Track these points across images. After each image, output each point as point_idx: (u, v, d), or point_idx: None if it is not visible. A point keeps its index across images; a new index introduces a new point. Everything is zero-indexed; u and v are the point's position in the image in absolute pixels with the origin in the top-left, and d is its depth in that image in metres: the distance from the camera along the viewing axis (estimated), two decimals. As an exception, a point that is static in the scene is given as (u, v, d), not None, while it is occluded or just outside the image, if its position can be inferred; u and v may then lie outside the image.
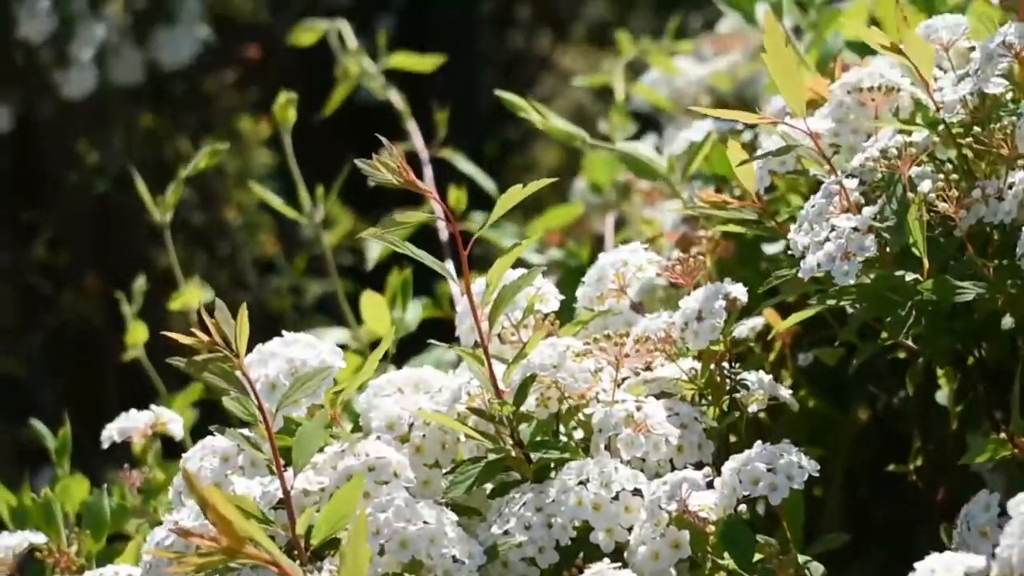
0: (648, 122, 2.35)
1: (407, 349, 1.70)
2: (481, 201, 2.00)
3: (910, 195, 1.05)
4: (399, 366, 1.69)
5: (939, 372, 1.28)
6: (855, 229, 1.06)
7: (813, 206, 1.10)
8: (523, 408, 1.17)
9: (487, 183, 1.97)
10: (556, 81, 4.61)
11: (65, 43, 2.36)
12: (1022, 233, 1.03)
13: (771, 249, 1.43)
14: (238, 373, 1.11)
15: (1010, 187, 1.04)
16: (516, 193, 1.10)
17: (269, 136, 3.44)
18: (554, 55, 4.70)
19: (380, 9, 4.49)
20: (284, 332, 1.30)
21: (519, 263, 1.19)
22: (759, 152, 1.21)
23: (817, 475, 1.08)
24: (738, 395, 1.20)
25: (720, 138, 1.49)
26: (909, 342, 1.16)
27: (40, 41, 2.36)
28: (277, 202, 1.83)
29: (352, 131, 3.59)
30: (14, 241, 3.51)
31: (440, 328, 1.76)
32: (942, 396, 1.31)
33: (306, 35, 2.06)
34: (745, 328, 1.36)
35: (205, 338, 1.12)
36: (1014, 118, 1.04)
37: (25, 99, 2.91)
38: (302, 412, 1.22)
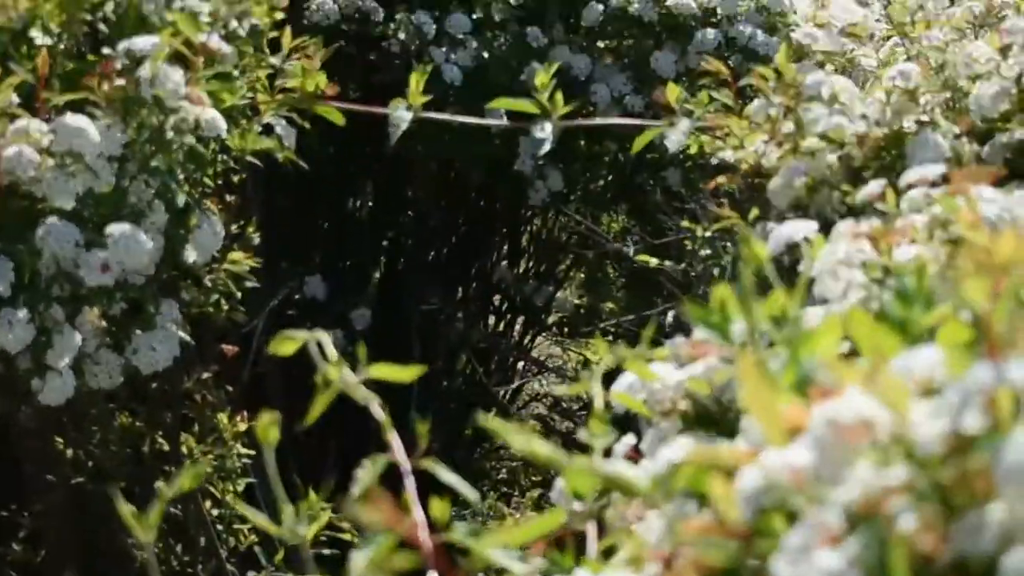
0: (627, 421, 2.36)
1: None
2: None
3: (891, 529, 1.06)
4: None
5: None
6: (838, 564, 1.06)
7: (796, 539, 1.11)
8: None
9: (470, 493, 1.97)
10: (531, 368, 4.66)
11: (42, 352, 2.38)
12: (1002, 563, 1.04)
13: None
14: None
15: (989, 520, 1.05)
16: (504, 534, 1.11)
17: (246, 429, 3.45)
18: (529, 342, 4.76)
19: (356, 296, 4.54)
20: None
21: (503, 571, 1.19)
22: (740, 484, 1.22)
23: None
24: None
25: (702, 452, 1.50)
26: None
27: (18, 350, 2.37)
28: (261, 519, 1.83)
29: (334, 415, 3.61)
30: (-9, 541, 3.49)
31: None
32: None
33: (285, 345, 2.07)
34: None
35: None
36: (990, 454, 1.05)
37: (3, 405, 2.92)
38: None
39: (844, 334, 1.58)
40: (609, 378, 2.15)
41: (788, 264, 2.33)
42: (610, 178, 4.45)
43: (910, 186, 2.17)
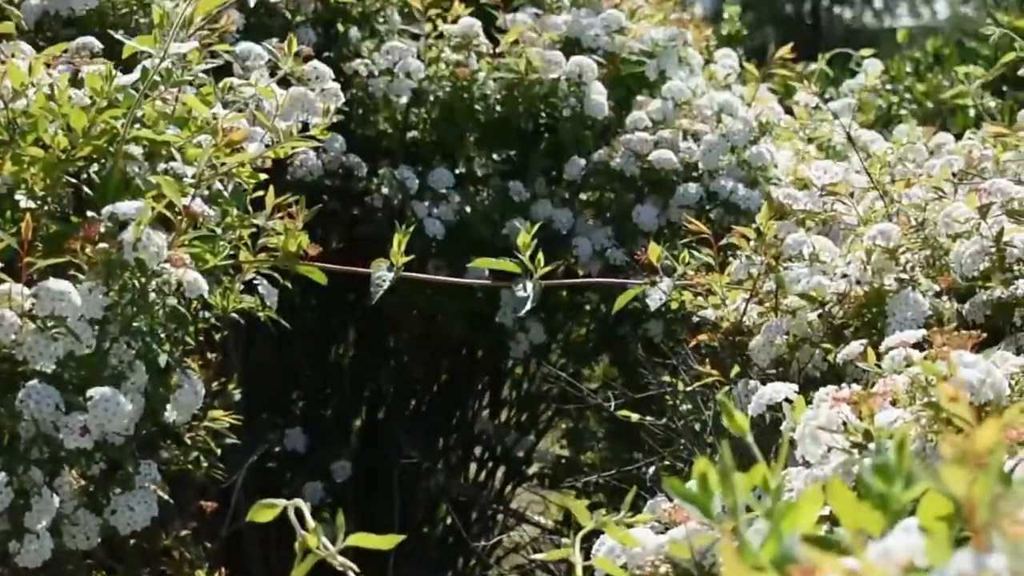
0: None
1: None
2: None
3: None
4: None
5: None
6: None
7: None
8: None
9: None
10: (511, 519, 4.63)
11: (20, 514, 2.35)
12: None
13: None
14: None
15: None
16: None
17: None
18: (509, 492, 4.73)
19: (336, 447, 4.53)
20: None
21: None
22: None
23: None
24: None
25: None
26: None
27: (-4, 515, 2.34)
28: None
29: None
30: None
31: None
32: None
33: (263, 513, 2.06)
34: None
35: None
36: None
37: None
38: None
39: (825, 504, 1.57)
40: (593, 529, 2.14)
41: (770, 421, 2.33)
42: (592, 327, 4.46)
43: (891, 348, 2.18)
